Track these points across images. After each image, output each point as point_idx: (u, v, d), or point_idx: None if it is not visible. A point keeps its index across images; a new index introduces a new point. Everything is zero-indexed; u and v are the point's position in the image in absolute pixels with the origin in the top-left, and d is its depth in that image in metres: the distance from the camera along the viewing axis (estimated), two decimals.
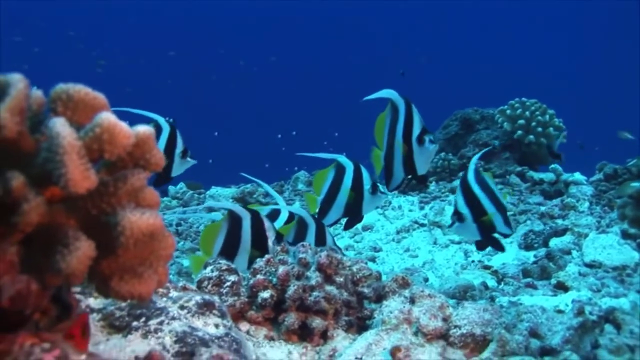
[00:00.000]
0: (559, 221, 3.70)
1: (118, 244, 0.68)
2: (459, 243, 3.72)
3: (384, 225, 4.12)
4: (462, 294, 2.54)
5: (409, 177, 2.33)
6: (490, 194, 2.33)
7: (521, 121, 4.79)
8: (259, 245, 1.98)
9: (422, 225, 4.05)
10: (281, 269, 1.46)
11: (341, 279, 1.50)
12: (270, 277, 1.47)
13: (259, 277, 1.47)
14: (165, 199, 5.06)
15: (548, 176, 4.56)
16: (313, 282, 1.44)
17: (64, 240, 0.65)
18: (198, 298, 1.24)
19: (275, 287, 1.46)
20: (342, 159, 2.43)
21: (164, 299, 1.26)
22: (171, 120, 2.51)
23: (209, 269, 1.49)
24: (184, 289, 1.42)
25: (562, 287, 2.56)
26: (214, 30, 19.06)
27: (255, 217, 2.00)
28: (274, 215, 2.43)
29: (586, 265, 2.94)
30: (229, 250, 1.99)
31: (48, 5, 16.72)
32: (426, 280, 3.02)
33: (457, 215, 2.33)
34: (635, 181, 2.33)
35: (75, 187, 0.64)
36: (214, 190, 4.81)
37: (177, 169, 2.49)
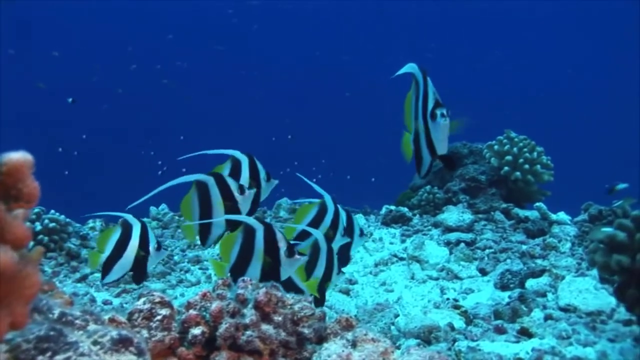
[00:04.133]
0: (539, 261, 3.63)
1: None
2: (436, 279, 3.64)
3: (362, 257, 4.05)
4: (427, 335, 2.46)
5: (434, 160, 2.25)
6: None
7: (508, 157, 4.73)
8: (271, 254, 2.13)
9: (402, 259, 3.97)
10: (214, 305, 1.38)
11: (280, 318, 1.42)
12: (203, 313, 1.40)
13: (192, 312, 1.40)
14: (145, 219, 4.99)
15: (533, 214, 4.49)
16: (247, 320, 1.37)
17: None
18: (114, 333, 1.16)
19: (208, 324, 1.38)
20: (328, 199, 2.61)
21: (80, 332, 1.18)
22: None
23: (141, 300, 1.42)
24: (112, 321, 1.35)
25: (525, 334, 2.47)
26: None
27: (268, 229, 2.15)
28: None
29: (561, 309, 2.86)
30: (243, 258, 2.15)
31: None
32: (396, 316, 2.94)
33: None
34: (606, 226, 2.27)
35: None
36: None
37: (265, 192, 2.57)
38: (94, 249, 2.61)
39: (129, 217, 2.49)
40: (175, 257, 4.05)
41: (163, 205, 5.21)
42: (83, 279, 3.67)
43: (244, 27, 17.23)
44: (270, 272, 2.11)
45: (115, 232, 2.47)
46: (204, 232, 2.34)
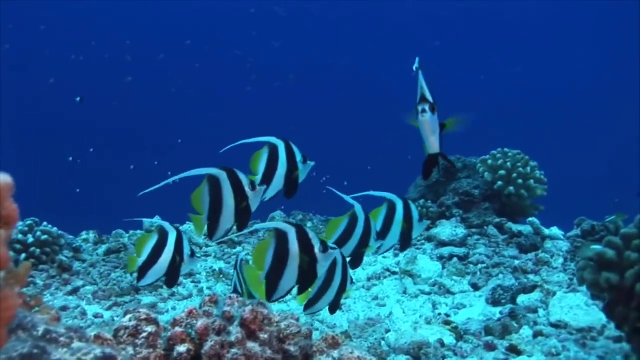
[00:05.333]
0: (531, 276, 3.63)
1: None
2: (428, 294, 3.65)
3: (355, 272, 4.04)
4: (417, 351, 2.46)
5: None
6: None
7: (502, 172, 4.74)
8: (307, 254, 2.16)
9: (394, 273, 3.97)
10: (200, 322, 1.38)
11: (266, 336, 1.42)
12: (189, 330, 1.40)
13: (177, 329, 1.40)
14: (138, 232, 4.99)
15: (526, 229, 4.50)
16: (233, 338, 1.37)
17: None
18: (98, 351, 1.16)
19: (194, 341, 1.38)
20: (358, 208, 2.65)
21: (64, 349, 1.18)
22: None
23: (127, 317, 1.42)
24: (97, 338, 1.34)
25: (514, 351, 2.47)
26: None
27: (300, 230, 2.18)
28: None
29: (552, 325, 2.87)
30: (279, 263, 2.16)
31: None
32: (388, 331, 2.94)
33: None
34: (595, 243, 2.27)
35: None
36: (187, 225, 4.74)
37: (303, 174, 2.61)
38: (132, 254, 2.70)
39: (166, 225, 2.62)
40: None
41: (156, 218, 5.20)
42: (74, 292, 3.67)
43: (265, 34, 16.97)
44: (308, 271, 2.15)
45: (152, 239, 2.59)
46: (213, 226, 2.34)
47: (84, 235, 4.90)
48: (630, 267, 2.08)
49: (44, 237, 3.94)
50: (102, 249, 4.56)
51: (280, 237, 2.16)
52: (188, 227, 4.70)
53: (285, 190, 2.56)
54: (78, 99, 6.27)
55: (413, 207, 2.84)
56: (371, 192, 2.77)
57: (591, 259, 2.18)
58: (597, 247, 2.18)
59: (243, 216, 2.33)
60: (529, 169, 4.79)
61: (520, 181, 4.74)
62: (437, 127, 2.09)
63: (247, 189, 2.31)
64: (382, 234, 2.74)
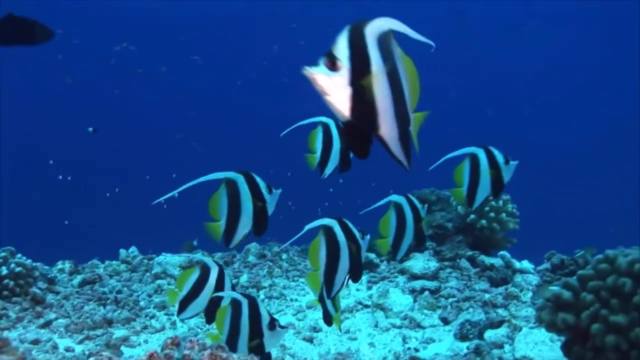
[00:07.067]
0: (500, 311, 3.69)
1: None
2: (399, 327, 3.69)
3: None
4: None
5: None
6: None
7: None
8: (353, 242, 2.24)
9: (366, 306, 4.02)
10: None
11: None
12: None
13: None
14: (114, 262, 5.00)
15: (499, 262, 4.56)
16: None
17: None
18: None
19: None
20: (396, 197, 2.71)
21: None
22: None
23: None
24: None
25: None
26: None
27: (341, 222, 2.25)
28: None
29: None
30: (334, 255, 2.22)
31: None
32: None
33: None
34: (553, 285, 2.34)
35: None
36: (162, 257, 4.74)
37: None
38: (173, 288, 2.73)
39: (208, 261, 2.65)
40: (142, 303, 4.06)
41: (133, 248, 5.22)
42: (47, 324, 3.67)
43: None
44: (357, 258, 2.23)
45: (194, 273, 2.62)
46: (230, 231, 2.34)
47: (59, 265, 4.90)
48: (585, 308, 2.15)
49: (18, 269, 3.94)
50: (77, 279, 4.56)
51: (328, 231, 2.22)
52: (163, 258, 4.72)
53: (340, 165, 2.63)
54: (91, 129, 6.11)
55: (496, 151, 2.69)
56: (447, 156, 2.69)
57: (549, 299, 2.25)
58: (554, 288, 2.25)
59: (261, 220, 2.34)
60: (501, 202, 4.87)
61: (492, 214, 4.82)
62: (336, 89, 1.35)
63: (264, 192, 2.34)
64: (472, 188, 2.67)
